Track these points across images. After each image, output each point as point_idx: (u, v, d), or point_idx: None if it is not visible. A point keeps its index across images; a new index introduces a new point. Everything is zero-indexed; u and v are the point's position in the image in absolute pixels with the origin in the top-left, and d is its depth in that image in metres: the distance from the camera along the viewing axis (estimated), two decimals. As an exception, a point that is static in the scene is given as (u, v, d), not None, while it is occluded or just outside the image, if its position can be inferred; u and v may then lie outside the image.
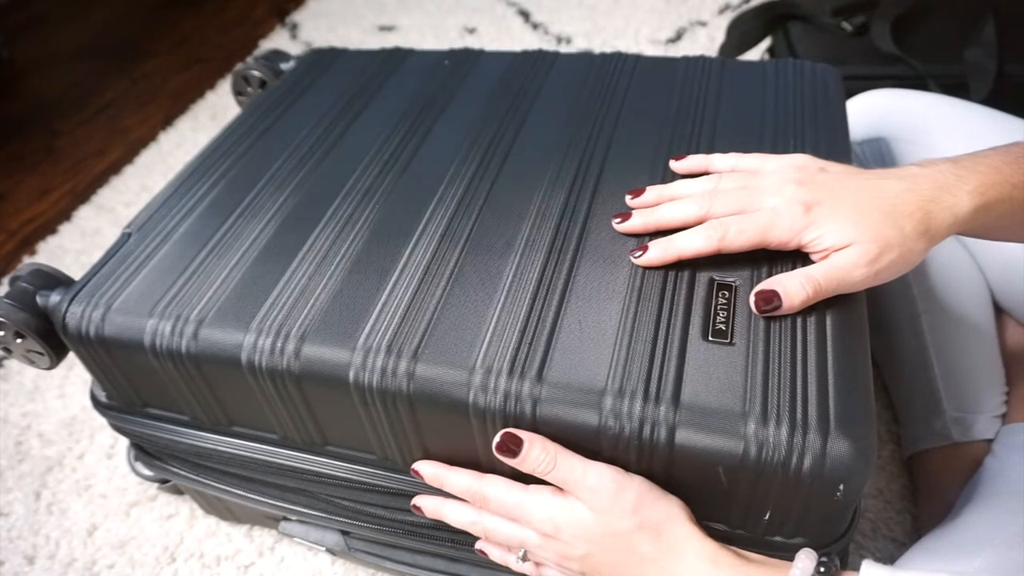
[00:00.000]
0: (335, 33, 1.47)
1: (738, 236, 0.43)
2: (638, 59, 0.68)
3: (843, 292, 0.42)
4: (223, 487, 0.58)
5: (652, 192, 0.50)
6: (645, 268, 0.46)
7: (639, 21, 1.37)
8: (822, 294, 0.42)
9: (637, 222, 0.48)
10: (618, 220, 0.49)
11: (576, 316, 0.44)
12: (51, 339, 0.52)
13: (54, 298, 0.51)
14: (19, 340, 0.52)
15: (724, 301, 0.44)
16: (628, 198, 0.50)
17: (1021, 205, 0.42)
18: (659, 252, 0.46)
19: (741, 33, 1.02)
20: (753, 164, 0.49)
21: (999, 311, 0.70)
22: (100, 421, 0.79)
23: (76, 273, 0.54)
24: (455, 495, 0.47)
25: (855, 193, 0.43)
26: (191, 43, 1.50)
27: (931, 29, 0.90)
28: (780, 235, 0.43)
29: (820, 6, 0.94)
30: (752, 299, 0.43)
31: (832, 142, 0.55)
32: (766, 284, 0.43)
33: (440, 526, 0.50)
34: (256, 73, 0.75)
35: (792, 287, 0.42)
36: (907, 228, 0.41)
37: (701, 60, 0.66)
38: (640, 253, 0.46)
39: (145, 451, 0.60)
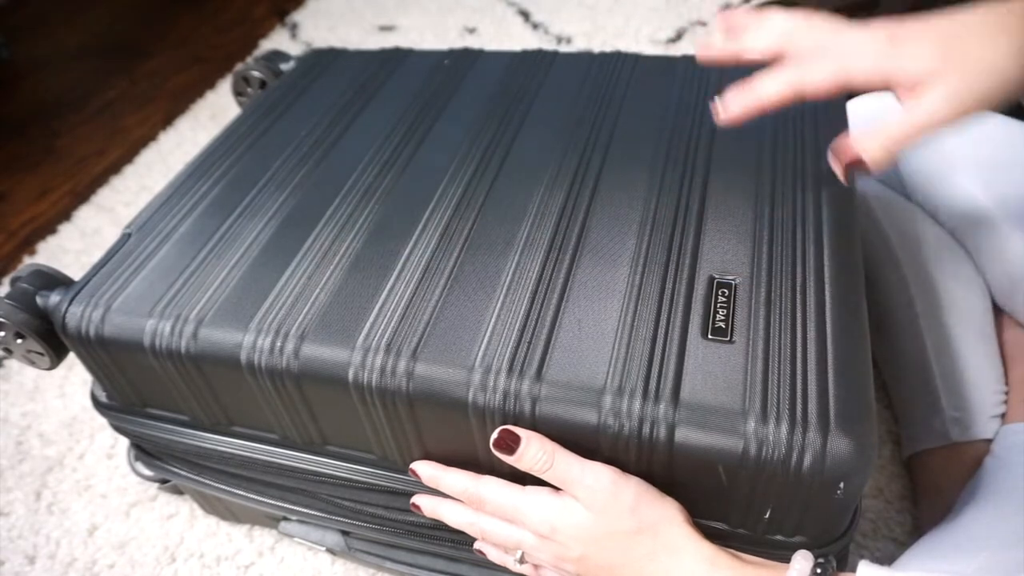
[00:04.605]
0: (335, 33, 1.47)
1: (819, 73, 0.41)
2: (637, 58, 0.68)
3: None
4: (223, 487, 0.58)
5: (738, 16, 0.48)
6: (725, 125, 0.45)
7: (639, 21, 1.37)
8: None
9: (718, 48, 0.47)
10: (702, 50, 0.47)
11: (575, 315, 0.44)
12: (51, 339, 0.52)
13: (54, 298, 0.51)
14: (19, 340, 0.52)
15: (724, 299, 0.44)
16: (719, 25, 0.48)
17: None
18: (739, 104, 0.44)
19: (741, 33, 1.02)
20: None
21: (998, 311, 0.69)
22: (100, 421, 0.79)
23: (76, 273, 0.54)
24: (452, 496, 0.47)
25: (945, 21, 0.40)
26: (191, 43, 1.50)
27: (931, 29, 0.90)
28: (863, 64, 0.41)
29: (820, 6, 0.94)
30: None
31: (831, 141, 0.55)
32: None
33: (440, 526, 0.50)
34: (256, 73, 0.75)
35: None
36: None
37: (701, 59, 0.66)
38: (720, 114, 0.45)
39: (145, 451, 0.60)
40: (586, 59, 0.69)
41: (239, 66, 0.78)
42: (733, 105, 0.44)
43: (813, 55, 0.43)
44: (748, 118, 0.44)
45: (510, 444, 0.41)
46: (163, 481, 0.69)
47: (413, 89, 0.67)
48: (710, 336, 0.42)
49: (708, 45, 0.47)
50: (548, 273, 0.47)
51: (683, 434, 0.39)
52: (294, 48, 1.43)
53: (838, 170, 0.43)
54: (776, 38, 0.44)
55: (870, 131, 0.41)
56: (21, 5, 1.65)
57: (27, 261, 1.01)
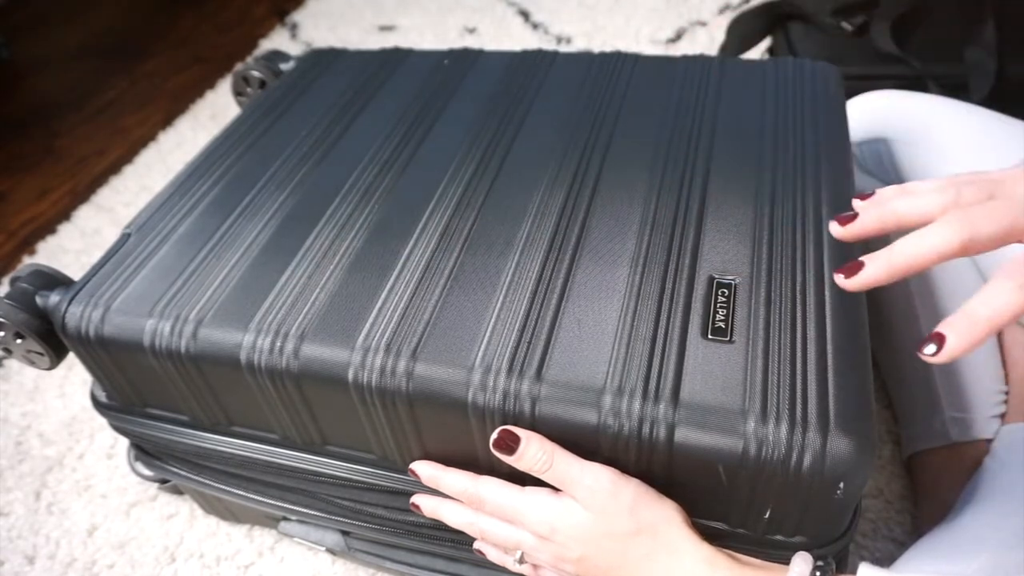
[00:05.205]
0: (335, 33, 1.47)
1: (989, 223, 0.33)
2: (637, 58, 0.68)
3: None
4: (223, 487, 0.58)
5: (887, 190, 0.39)
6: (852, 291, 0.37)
7: (639, 21, 1.37)
8: None
9: (869, 219, 0.38)
10: (838, 224, 0.38)
11: (575, 314, 0.44)
12: (51, 339, 0.52)
13: (54, 298, 0.51)
14: (19, 340, 0.52)
15: (723, 299, 0.44)
16: (856, 202, 0.40)
17: None
18: (881, 266, 0.36)
19: (741, 33, 1.02)
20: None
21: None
22: (100, 421, 0.79)
23: (76, 273, 0.54)
24: (452, 496, 0.47)
25: None
26: (191, 43, 1.50)
27: (931, 29, 0.90)
28: None
29: (820, 6, 0.94)
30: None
31: (832, 141, 0.55)
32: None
33: (440, 526, 0.50)
34: (256, 73, 0.75)
35: None
36: None
37: (700, 59, 0.66)
38: (846, 274, 0.36)
39: (145, 451, 0.60)
40: (586, 59, 0.69)
41: (239, 66, 0.78)
42: (872, 270, 0.36)
43: (981, 207, 0.35)
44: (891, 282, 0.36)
45: (510, 444, 0.41)
46: (163, 481, 0.69)
47: (413, 89, 0.67)
48: (710, 336, 0.42)
49: (848, 219, 0.38)
50: (548, 273, 0.47)
51: (683, 434, 0.39)
52: (294, 48, 1.43)
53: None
54: (940, 200, 0.36)
55: None
56: (21, 5, 1.65)
57: (27, 261, 1.01)
